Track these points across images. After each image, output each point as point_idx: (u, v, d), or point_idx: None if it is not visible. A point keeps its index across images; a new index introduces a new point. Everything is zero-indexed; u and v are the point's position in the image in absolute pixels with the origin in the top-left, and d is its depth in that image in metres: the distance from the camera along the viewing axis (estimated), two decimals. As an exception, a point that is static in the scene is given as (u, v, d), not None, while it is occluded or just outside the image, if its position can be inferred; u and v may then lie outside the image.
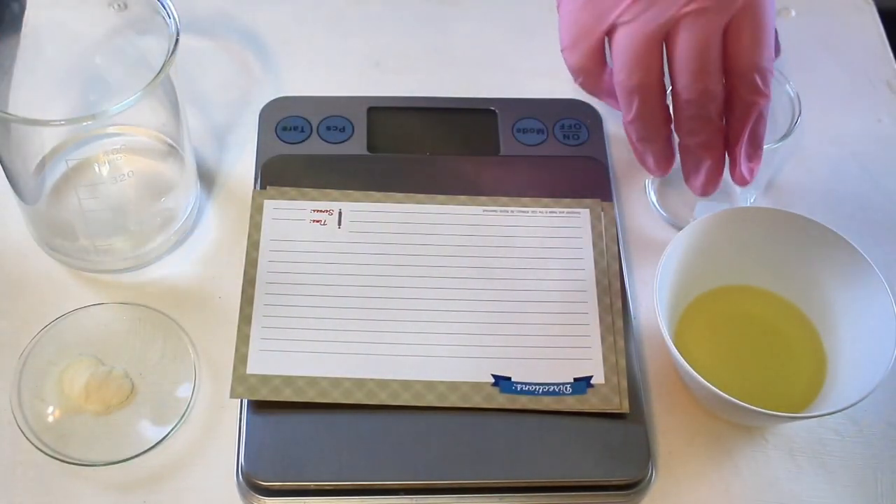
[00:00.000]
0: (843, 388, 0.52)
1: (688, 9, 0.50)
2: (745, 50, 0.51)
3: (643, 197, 0.63)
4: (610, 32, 0.54)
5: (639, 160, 0.58)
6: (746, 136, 0.53)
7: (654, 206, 0.62)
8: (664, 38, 0.52)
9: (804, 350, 0.56)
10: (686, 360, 0.50)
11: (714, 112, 0.53)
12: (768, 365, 0.55)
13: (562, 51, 0.57)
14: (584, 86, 0.58)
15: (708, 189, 0.55)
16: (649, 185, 0.63)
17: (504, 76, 0.69)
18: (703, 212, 0.57)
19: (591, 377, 0.54)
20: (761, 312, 0.57)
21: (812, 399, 0.53)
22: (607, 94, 0.58)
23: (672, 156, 0.57)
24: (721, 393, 0.49)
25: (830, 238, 0.55)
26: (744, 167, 0.54)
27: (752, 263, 0.57)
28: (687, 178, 0.56)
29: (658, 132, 0.55)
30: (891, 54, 0.71)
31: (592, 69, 0.56)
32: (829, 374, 0.54)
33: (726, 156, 0.55)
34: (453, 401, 0.52)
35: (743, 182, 0.54)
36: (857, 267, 0.54)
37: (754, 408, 0.49)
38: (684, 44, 0.51)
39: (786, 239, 0.56)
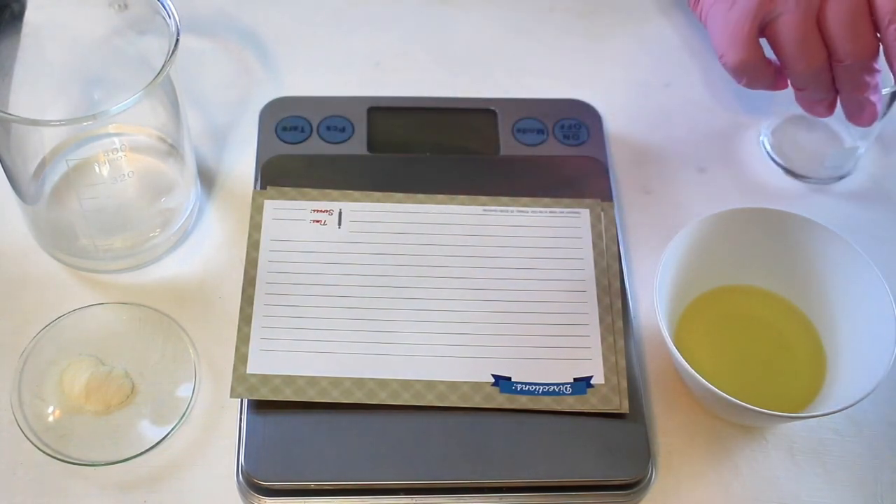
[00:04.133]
0: (844, 388, 0.52)
1: None
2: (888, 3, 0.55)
3: (643, 197, 0.63)
4: (765, 27, 0.57)
5: (807, 110, 0.61)
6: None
7: (770, 155, 0.66)
8: (818, 20, 0.55)
9: (804, 350, 0.56)
10: (686, 361, 0.50)
11: (876, 65, 0.57)
12: (768, 365, 0.55)
13: (720, 58, 0.59)
14: (750, 83, 0.59)
15: (873, 119, 0.59)
16: (764, 135, 0.67)
17: (504, 76, 0.69)
18: (835, 160, 0.62)
19: (590, 377, 0.54)
20: (761, 312, 0.57)
21: (812, 399, 0.53)
22: (773, 84, 0.60)
23: (836, 101, 0.60)
24: (721, 393, 0.49)
25: (829, 238, 0.55)
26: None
27: (752, 263, 0.57)
28: (850, 117, 0.59)
29: (829, 92, 0.58)
30: None
31: (757, 64, 0.58)
32: (828, 373, 0.54)
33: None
34: (453, 401, 0.53)
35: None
36: (857, 266, 0.54)
37: (754, 408, 0.49)
38: (836, 18, 0.55)
39: (786, 239, 0.56)
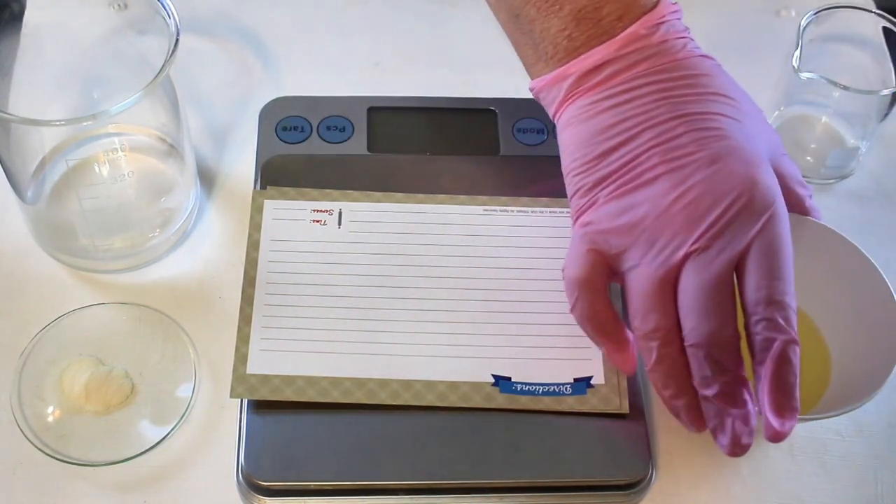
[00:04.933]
0: (848, 389, 0.52)
1: (692, 248, 0.47)
2: (758, 284, 0.46)
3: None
4: (620, 275, 0.50)
5: (672, 413, 0.51)
6: (769, 385, 0.46)
7: None
8: (675, 280, 0.48)
9: (808, 351, 0.55)
10: None
11: (728, 359, 0.47)
12: None
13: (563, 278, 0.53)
14: (584, 318, 0.51)
15: (735, 449, 0.48)
16: None
17: (504, 76, 0.69)
18: (836, 160, 0.58)
19: (591, 377, 0.54)
20: None
21: (817, 400, 0.53)
22: (617, 337, 0.52)
23: (696, 405, 0.50)
24: None
25: (832, 239, 0.55)
26: (774, 421, 0.46)
27: None
28: (713, 435, 0.49)
29: (683, 382, 0.49)
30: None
31: (593, 287, 0.51)
32: (833, 375, 0.54)
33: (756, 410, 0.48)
34: (453, 401, 0.52)
35: (775, 439, 0.47)
36: (860, 267, 0.54)
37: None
38: (689, 285, 0.47)
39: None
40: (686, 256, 0.47)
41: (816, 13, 0.63)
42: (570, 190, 0.53)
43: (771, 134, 0.53)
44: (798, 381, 0.47)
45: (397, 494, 0.50)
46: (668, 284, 0.48)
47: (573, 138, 0.52)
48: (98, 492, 0.51)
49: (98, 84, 0.60)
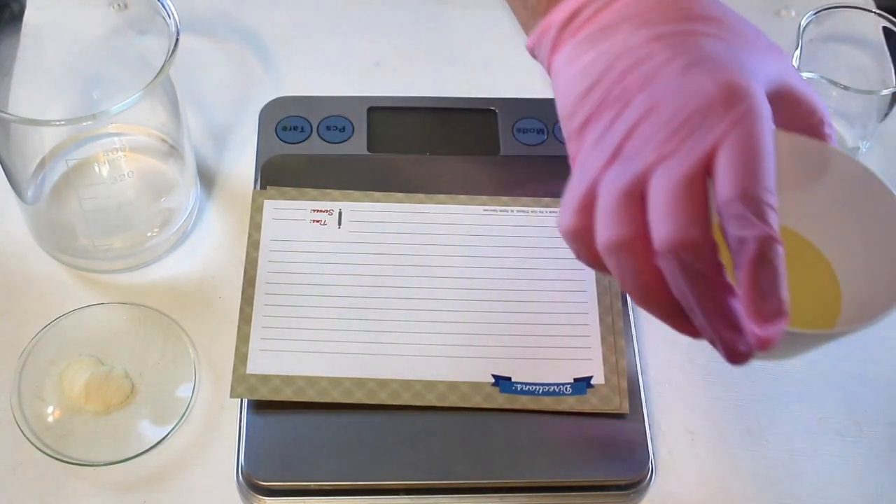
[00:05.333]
0: (859, 315, 0.46)
1: (657, 155, 0.44)
2: (729, 178, 0.42)
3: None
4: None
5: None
6: (744, 288, 0.42)
7: None
8: (642, 192, 0.44)
9: (816, 282, 0.50)
10: None
11: (701, 263, 0.43)
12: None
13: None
14: (578, 254, 0.48)
15: (733, 357, 0.44)
16: None
17: (504, 76, 0.69)
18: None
19: (591, 377, 0.54)
20: None
21: (829, 327, 0.48)
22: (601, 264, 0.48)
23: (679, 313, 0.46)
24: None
25: (847, 165, 0.49)
26: (755, 327, 0.43)
27: None
28: (712, 345, 0.45)
29: (660, 297, 0.45)
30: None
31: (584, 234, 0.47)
32: (844, 303, 0.49)
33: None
34: (453, 401, 0.52)
35: (760, 347, 0.43)
36: (874, 193, 0.49)
37: (819, 332, 0.44)
38: (656, 193, 0.43)
39: (801, 169, 0.50)
40: (653, 165, 0.44)
41: (816, 13, 0.63)
42: (565, 138, 0.50)
43: (776, 56, 0.48)
44: (782, 280, 0.42)
45: (397, 494, 0.50)
46: (634, 196, 0.44)
47: (560, 87, 0.50)
48: (98, 492, 0.51)
49: (98, 84, 0.60)
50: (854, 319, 0.47)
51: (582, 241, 0.47)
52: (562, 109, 0.50)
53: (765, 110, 0.45)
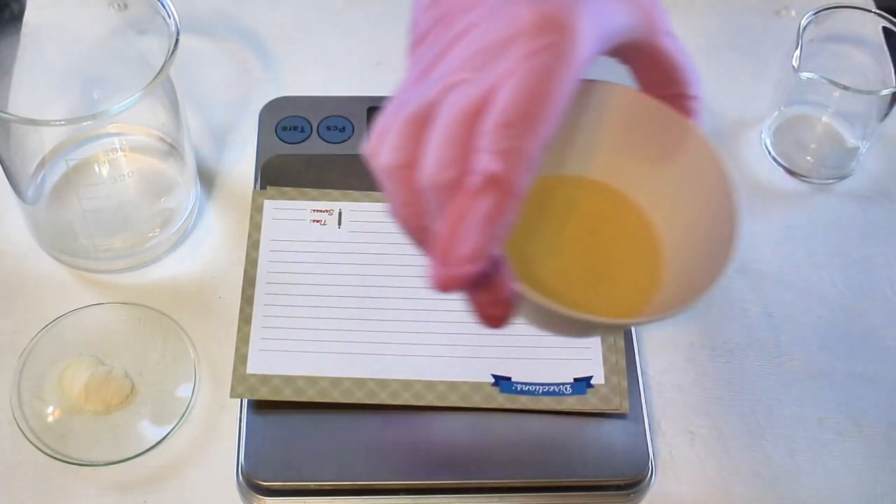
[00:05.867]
0: (681, 290, 0.43)
1: (450, 80, 0.41)
2: (492, 111, 0.38)
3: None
4: None
5: None
6: (446, 223, 0.38)
7: (771, 155, 0.66)
8: (427, 119, 0.41)
9: (638, 250, 0.47)
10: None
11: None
12: (597, 268, 0.46)
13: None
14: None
15: (439, 287, 0.39)
16: (765, 135, 0.66)
17: (504, 76, 0.69)
18: (836, 160, 0.57)
19: (591, 377, 0.54)
20: (589, 207, 0.47)
21: (647, 301, 0.45)
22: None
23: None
24: (544, 301, 0.39)
25: (699, 150, 0.45)
26: (432, 264, 0.39)
27: (574, 147, 0.47)
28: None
29: (413, 224, 0.41)
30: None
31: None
32: (666, 275, 0.46)
33: None
34: (453, 401, 0.52)
35: (434, 287, 0.39)
36: (704, 162, 0.45)
37: (575, 314, 0.39)
38: (433, 124, 0.40)
39: (655, 141, 0.46)
40: (443, 92, 0.41)
41: (816, 13, 0.63)
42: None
43: (648, 13, 0.44)
44: (486, 228, 0.38)
45: (397, 494, 0.50)
46: (419, 122, 0.40)
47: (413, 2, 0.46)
48: (98, 492, 0.51)
49: (98, 84, 0.61)
50: (652, 312, 0.43)
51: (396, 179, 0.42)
52: (409, 26, 0.46)
53: (576, 50, 0.40)
